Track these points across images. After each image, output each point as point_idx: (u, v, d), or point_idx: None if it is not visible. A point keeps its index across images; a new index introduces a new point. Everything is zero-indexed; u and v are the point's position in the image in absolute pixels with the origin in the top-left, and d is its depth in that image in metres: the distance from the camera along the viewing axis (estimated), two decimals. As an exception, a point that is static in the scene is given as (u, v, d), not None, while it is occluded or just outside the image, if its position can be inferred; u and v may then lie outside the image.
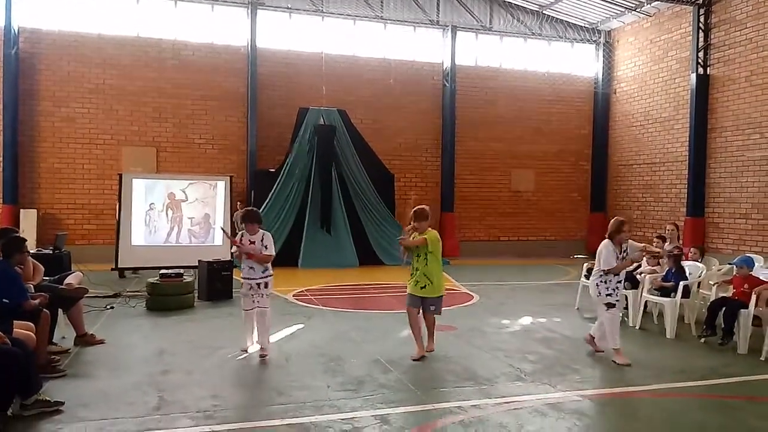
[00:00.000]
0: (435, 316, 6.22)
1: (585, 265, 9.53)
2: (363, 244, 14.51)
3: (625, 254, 6.11)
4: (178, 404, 4.61)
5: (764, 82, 13.05)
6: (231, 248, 6.36)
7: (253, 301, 6.02)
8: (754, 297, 6.60)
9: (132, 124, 14.94)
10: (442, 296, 6.17)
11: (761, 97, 13.13)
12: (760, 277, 7.04)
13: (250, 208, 6.58)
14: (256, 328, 6.08)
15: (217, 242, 11.05)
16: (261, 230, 6.12)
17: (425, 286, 5.98)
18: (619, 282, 6.10)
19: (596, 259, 6.17)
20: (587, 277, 9.07)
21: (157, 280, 8.62)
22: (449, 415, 4.49)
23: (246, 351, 6.14)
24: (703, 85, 14.40)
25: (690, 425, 4.42)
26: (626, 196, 17.43)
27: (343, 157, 14.84)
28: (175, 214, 11.01)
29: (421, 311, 6.14)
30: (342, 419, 4.35)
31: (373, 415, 4.44)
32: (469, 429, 4.21)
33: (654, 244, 9.25)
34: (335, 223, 14.48)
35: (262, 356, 5.91)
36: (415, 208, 6.14)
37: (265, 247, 6.04)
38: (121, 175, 11.21)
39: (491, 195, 17.82)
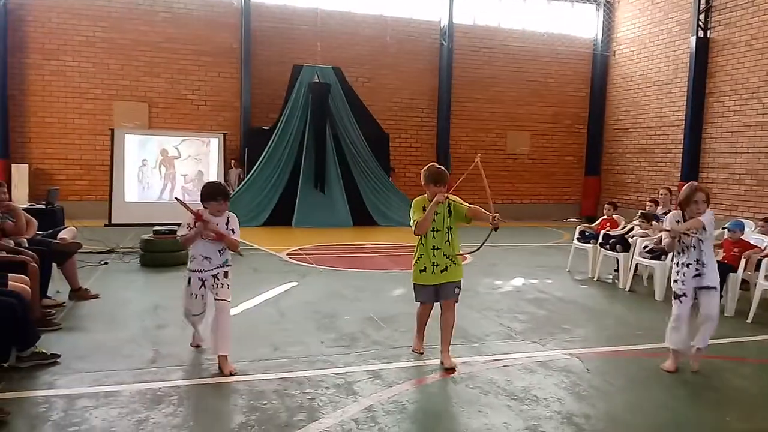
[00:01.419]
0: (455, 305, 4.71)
1: (578, 228, 9.60)
2: (357, 203, 14.50)
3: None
4: (174, 358, 4.66)
5: (764, 47, 12.93)
6: (189, 225, 4.44)
7: (205, 303, 4.61)
8: (743, 261, 6.69)
9: (123, 79, 14.70)
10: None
11: (760, 62, 13.02)
12: (751, 242, 7.11)
13: (214, 181, 5.00)
14: (211, 333, 4.57)
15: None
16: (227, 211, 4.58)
17: (446, 268, 4.54)
18: (687, 265, 4.66)
19: None
20: (579, 240, 9.18)
21: (150, 236, 8.64)
22: (439, 370, 4.57)
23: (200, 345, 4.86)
24: (703, 48, 14.25)
25: (675, 384, 4.52)
26: (621, 159, 17.42)
27: (338, 116, 14.70)
28: (168, 170, 10.97)
29: (435, 306, 4.72)
30: (335, 374, 4.42)
31: (365, 370, 4.51)
32: (459, 385, 4.29)
33: (647, 207, 9.31)
34: (329, 182, 14.44)
35: (232, 373, 4.34)
36: (434, 168, 4.60)
37: (233, 231, 4.53)
38: (113, 131, 11.09)
39: (486, 157, 17.72)
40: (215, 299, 4.52)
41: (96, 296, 6.52)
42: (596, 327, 6.10)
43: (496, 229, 4.26)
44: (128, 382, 4.15)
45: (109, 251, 9.29)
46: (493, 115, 17.60)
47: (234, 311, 5.92)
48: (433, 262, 4.55)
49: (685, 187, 4.77)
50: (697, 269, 4.64)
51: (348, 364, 4.65)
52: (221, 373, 4.35)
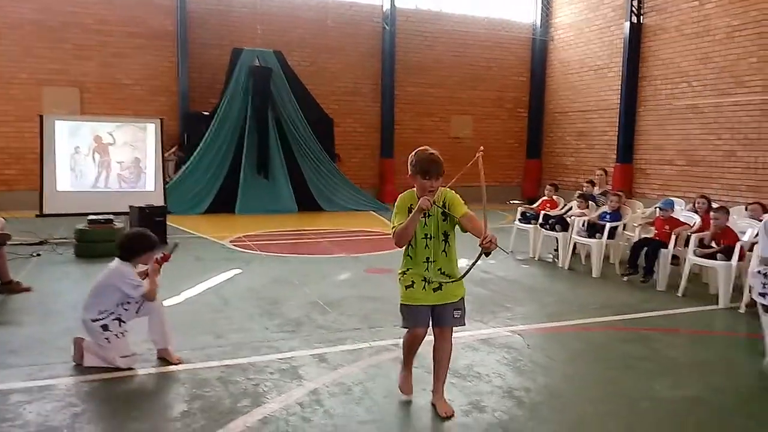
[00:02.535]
0: (456, 329, 3.62)
1: (519, 209, 9.81)
2: (302, 189, 14.37)
3: None
4: (111, 349, 4.52)
5: (693, 32, 13.46)
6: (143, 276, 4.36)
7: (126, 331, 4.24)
8: (673, 237, 7.01)
9: (52, 62, 14.02)
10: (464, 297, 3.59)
11: (689, 47, 13.55)
12: (681, 219, 7.45)
13: (142, 232, 4.53)
14: (153, 330, 4.33)
15: (148, 187, 10.69)
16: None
17: (441, 286, 3.45)
18: None
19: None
20: (521, 221, 9.39)
21: (85, 226, 8.33)
22: (384, 352, 4.60)
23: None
24: (636, 33, 14.72)
25: (612, 356, 4.71)
26: (561, 142, 17.87)
27: (280, 101, 14.48)
28: (102, 158, 10.54)
29: (429, 331, 3.57)
30: (280, 359, 4.39)
31: (310, 354, 4.50)
32: (405, 365, 4.33)
33: (584, 189, 9.60)
34: (273, 168, 14.24)
35: (180, 362, 4.27)
36: (424, 155, 3.48)
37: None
38: (42, 117, 10.56)
39: (430, 141, 17.52)
40: (141, 305, 4.33)
41: (28, 289, 6.25)
42: (537, 304, 6.27)
43: (487, 254, 3.22)
44: (64, 376, 4.01)
45: (41, 242, 8.91)
46: (437, 99, 17.69)
47: (176, 300, 5.82)
48: (425, 278, 3.44)
49: None
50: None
51: (293, 348, 4.63)
52: (166, 363, 4.25)
